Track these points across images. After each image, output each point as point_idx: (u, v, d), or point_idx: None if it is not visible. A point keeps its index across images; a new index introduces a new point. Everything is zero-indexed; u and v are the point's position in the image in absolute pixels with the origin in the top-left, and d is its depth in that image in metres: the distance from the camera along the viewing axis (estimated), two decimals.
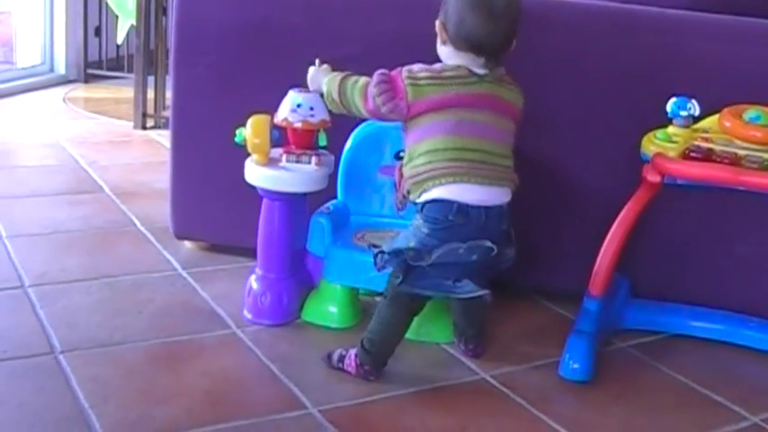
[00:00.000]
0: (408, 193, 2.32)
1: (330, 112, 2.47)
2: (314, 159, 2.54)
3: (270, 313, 2.60)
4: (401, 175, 2.35)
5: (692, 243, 2.75)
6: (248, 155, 2.54)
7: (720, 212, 2.69)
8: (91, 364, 2.31)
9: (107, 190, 3.71)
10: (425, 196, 2.27)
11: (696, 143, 2.39)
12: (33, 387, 2.20)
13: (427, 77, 2.27)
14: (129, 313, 2.62)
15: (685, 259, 2.76)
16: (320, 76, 2.41)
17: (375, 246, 2.40)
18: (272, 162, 2.54)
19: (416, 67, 2.29)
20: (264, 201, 2.58)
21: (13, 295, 2.69)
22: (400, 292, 2.31)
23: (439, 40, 2.32)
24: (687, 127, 2.43)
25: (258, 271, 2.63)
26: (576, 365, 2.42)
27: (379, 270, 2.35)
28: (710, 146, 2.37)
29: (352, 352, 2.36)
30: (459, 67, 2.29)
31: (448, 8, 2.29)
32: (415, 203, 2.31)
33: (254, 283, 2.63)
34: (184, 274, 2.91)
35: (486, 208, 2.26)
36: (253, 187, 2.56)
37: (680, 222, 2.73)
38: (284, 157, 2.54)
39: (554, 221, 2.78)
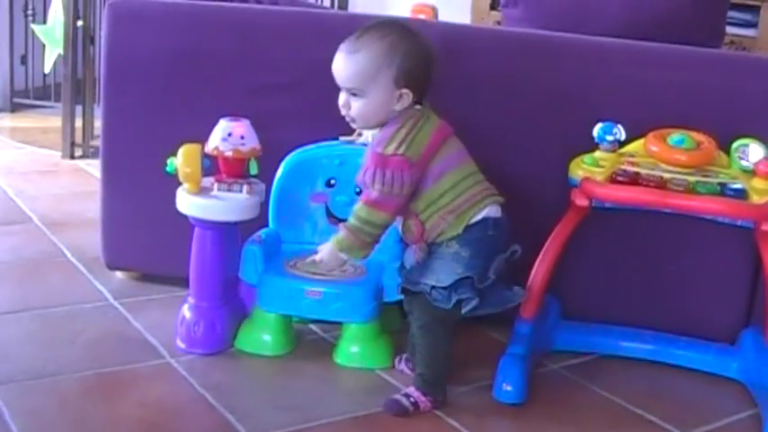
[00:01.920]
0: (440, 234, 2.37)
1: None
2: (245, 188, 2.54)
3: (203, 342, 2.60)
4: (421, 224, 2.37)
5: (620, 265, 2.80)
6: (180, 184, 2.54)
7: (648, 234, 2.73)
8: (24, 396, 2.30)
9: (36, 220, 3.68)
10: (467, 224, 2.36)
11: (623, 167, 2.43)
12: None
13: (407, 133, 2.33)
14: (61, 344, 2.60)
15: (615, 281, 2.80)
16: (330, 249, 2.39)
17: (413, 284, 2.42)
18: (203, 191, 2.54)
19: (386, 137, 2.34)
20: (196, 230, 2.58)
21: None
22: (454, 317, 2.38)
23: (395, 105, 2.35)
24: (613, 151, 2.49)
25: (191, 300, 2.63)
26: (508, 387, 2.44)
27: (439, 305, 2.36)
28: (637, 169, 2.42)
29: (417, 393, 2.38)
30: (414, 110, 2.38)
31: (407, 71, 2.33)
32: (443, 239, 2.38)
33: (186, 312, 2.62)
34: (116, 304, 2.89)
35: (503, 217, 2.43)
36: (184, 216, 2.56)
37: (609, 244, 2.77)
38: (215, 185, 2.55)
39: None
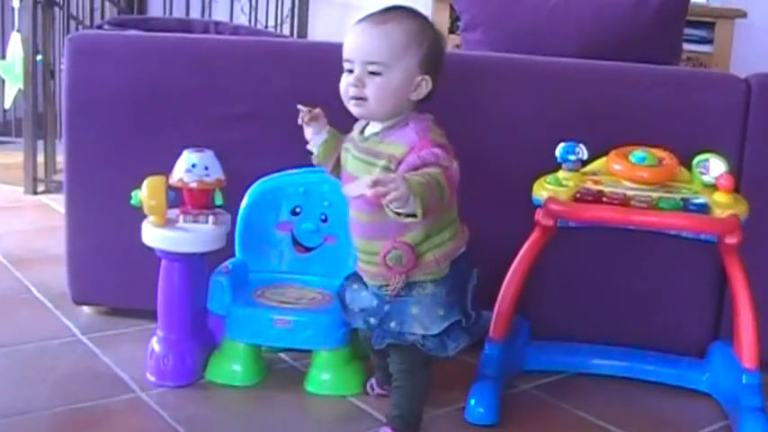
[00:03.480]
0: (425, 274, 2.24)
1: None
2: (211, 219, 2.54)
3: (173, 375, 2.59)
4: (414, 258, 2.20)
5: (588, 282, 2.81)
6: (145, 217, 2.54)
7: (614, 251, 2.75)
8: None
9: (0, 257, 3.65)
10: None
11: (586, 186, 2.45)
12: None
13: (441, 133, 2.22)
14: (31, 382, 2.58)
15: (583, 299, 2.82)
16: (404, 180, 1.98)
17: (397, 337, 2.26)
18: (169, 223, 2.54)
19: (426, 126, 2.20)
20: (163, 262, 2.57)
21: None
22: (438, 357, 2.29)
23: (412, 94, 2.21)
24: (576, 171, 2.50)
25: (159, 333, 2.62)
26: (481, 410, 2.44)
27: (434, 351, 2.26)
28: (600, 188, 2.44)
29: None
30: (427, 114, 2.26)
31: (432, 57, 2.21)
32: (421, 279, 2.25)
33: (155, 345, 2.61)
34: (85, 339, 2.87)
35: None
36: (151, 249, 2.55)
37: (576, 263, 2.79)
38: (181, 217, 2.55)
39: None
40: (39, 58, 4.85)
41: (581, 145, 2.50)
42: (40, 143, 4.90)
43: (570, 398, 2.65)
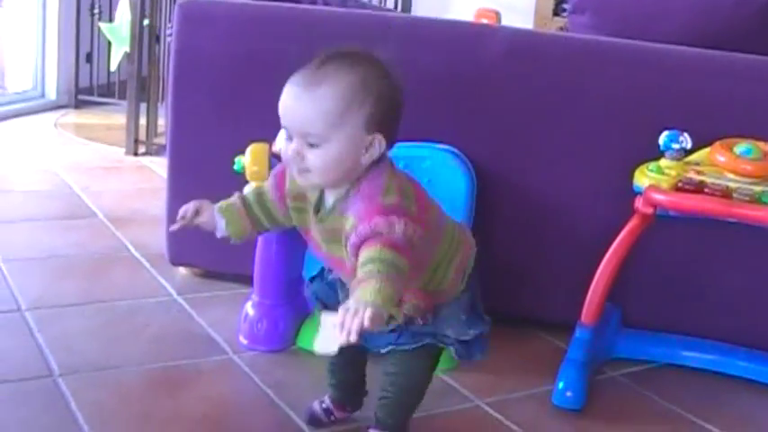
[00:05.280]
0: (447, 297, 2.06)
1: None
2: None
3: (266, 339, 2.63)
4: (428, 296, 2.02)
5: (682, 273, 2.79)
6: (246, 182, 2.57)
7: (711, 244, 2.73)
8: (90, 388, 2.33)
9: (101, 216, 3.73)
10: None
11: (688, 176, 2.42)
12: (33, 409, 2.21)
13: (399, 184, 1.89)
14: (125, 338, 2.64)
15: (676, 289, 2.79)
16: (373, 306, 1.65)
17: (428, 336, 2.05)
18: None
19: (380, 185, 1.86)
20: None
21: (10, 318, 2.70)
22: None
23: (363, 157, 1.87)
24: (679, 160, 2.47)
25: (254, 297, 2.66)
26: (569, 393, 2.45)
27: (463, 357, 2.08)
28: (702, 178, 2.41)
29: None
30: (386, 160, 1.93)
31: (380, 112, 1.85)
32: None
33: (250, 309, 2.65)
34: (180, 299, 2.93)
35: None
36: None
37: (671, 253, 2.77)
38: None
39: (548, 252, 2.81)
40: (145, 22, 4.93)
41: (685, 134, 2.46)
42: (143, 106, 4.98)
43: (657, 388, 2.64)
